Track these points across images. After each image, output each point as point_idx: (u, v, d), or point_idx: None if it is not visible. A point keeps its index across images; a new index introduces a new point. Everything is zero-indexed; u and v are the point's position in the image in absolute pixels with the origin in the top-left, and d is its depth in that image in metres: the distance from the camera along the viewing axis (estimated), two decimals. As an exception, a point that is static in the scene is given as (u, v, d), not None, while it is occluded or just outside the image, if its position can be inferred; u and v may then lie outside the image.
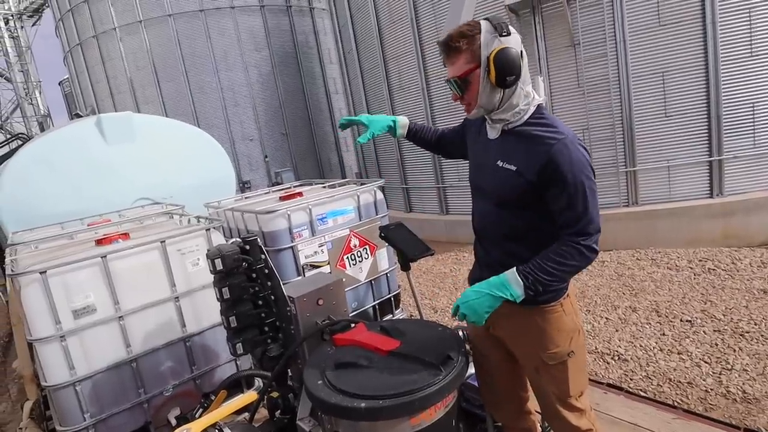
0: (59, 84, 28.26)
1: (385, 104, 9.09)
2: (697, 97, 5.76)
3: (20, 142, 5.28)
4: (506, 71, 1.39)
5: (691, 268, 5.23)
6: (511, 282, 1.43)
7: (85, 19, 13.05)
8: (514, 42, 1.42)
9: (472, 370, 1.78)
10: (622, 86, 6.00)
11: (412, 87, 8.34)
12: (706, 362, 3.44)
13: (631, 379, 3.39)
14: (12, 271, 1.88)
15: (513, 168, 1.47)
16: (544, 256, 1.43)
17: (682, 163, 5.97)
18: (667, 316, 4.21)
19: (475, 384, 1.84)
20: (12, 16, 25.41)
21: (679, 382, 3.26)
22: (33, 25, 26.27)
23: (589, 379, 3.39)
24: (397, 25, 8.27)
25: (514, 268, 1.44)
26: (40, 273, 1.82)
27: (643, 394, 3.11)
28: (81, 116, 13.63)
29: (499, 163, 1.51)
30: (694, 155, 5.90)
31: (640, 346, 3.80)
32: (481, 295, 1.43)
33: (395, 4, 8.16)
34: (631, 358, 3.64)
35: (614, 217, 6.28)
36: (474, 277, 1.76)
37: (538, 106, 1.50)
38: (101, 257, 1.97)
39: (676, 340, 3.79)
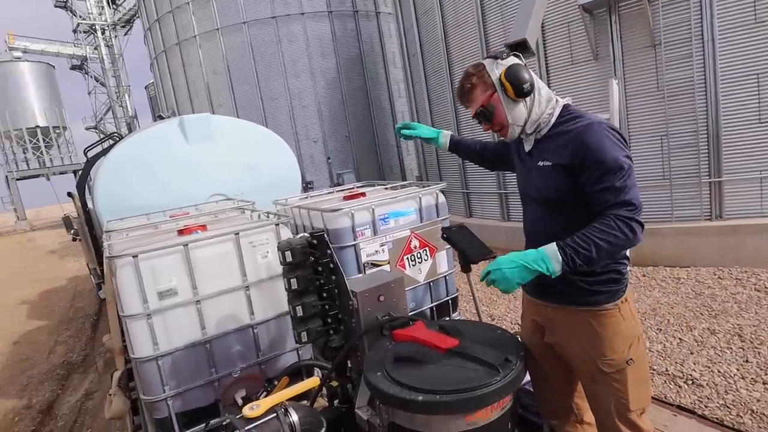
0: (145, 88, 30.78)
1: (448, 108, 9.06)
2: (796, 102, 5.24)
3: (111, 142, 5.82)
4: (520, 81, 1.55)
5: (783, 290, 4.77)
6: (550, 256, 1.40)
7: (169, 29, 14.14)
8: (514, 61, 1.59)
9: (529, 377, 1.76)
10: (708, 89, 5.57)
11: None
12: (796, 394, 3.13)
13: (705, 407, 3.14)
14: (109, 253, 2.11)
15: (549, 163, 1.56)
16: (585, 231, 1.41)
17: (777, 174, 5.45)
18: (752, 342, 3.85)
19: (532, 390, 1.81)
20: (107, 26, 28.04)
21: (764, 414, 2.98)
22: (125, 35, 28.85)
23: (659, 400, 3.19)
24: (463, 28, 8.22)
25: (555, 242, 1.43)
26: (133, 257, 2.02)
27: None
28: (163, 118, 14.75)
29: (540, 164, 1.60)
30: (790, 166, 5.38)
31: (719, 371, 3.51)
32: (515, 264, 1.41)
33: (462, 6, 8.13)
34: (707, 384, 3.37)
35: (694, 231, 5.84)
36: (531, 284, 1.74)
37: (564, 106, 1.61)
38: (183, 245, 2.15)
39: (761, 369, 3.46)
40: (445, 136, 2.23)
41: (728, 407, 3.09)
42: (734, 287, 5.01)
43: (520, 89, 1.55)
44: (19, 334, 7.93)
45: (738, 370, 3.50)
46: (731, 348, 3.82)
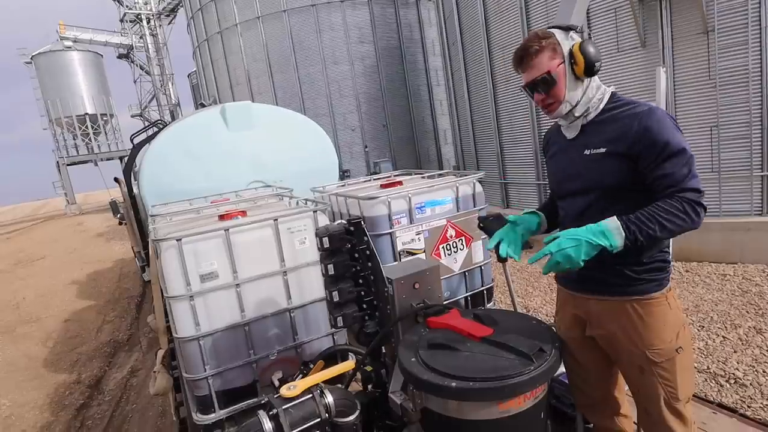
0: (187, 76, 31.67)
1: (488, 97, 8.90)
2: None
3: (156, 129, 6.04)
4: (594, 59, 1.48)
5: (841, 291, 4.49)
6: (612, 230, 1.38)
7: (212, 18, 14.46)
8: (584, 38, 1.53)
9: (563, 368, 1.74)
10: (764, 78, 5.25)
11: (517, 78, 8.05)
12: None
13: (748, 407, 3.03)
14: (155, 237, 2.21)
15: (602, 150, 1.50)
16: (649, 208, 1.39)
17: (839, 168, 5.10)
18: (803, 343, 3.67)
19: (566, 382, 1.79)
20: (152, 16, 28.92)
21: (813, 417, 2.85)
22: (169, 24, 29.70)
23: (699, 398, 3.09)
24: (505, 15, 8.03)
25: (615, 216, 1.40)
26: (177, 240, 2.12)
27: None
28: (205, 106, 15.17)
29: (587, 152, 1.54)
30: None
31: (764, 371, 3.37)
32: (578, 243, 1.36)
33: (503, -8, 7.93)
34: (750, 384, 3.24)
35: (743, 227, 5.57)
36: (569, 278, 1.71)
37: (612, 93, 1.55)
38: (224, 230, 2.23)
39: (812, 371, 3.31)
40: (543, 220, 1.88)
41: (774, 410, 2.97)
42: (786, 286, 4.76)
43: (591, 67, 1.48)
44: (69, 313, 8.43)
45: (787, 372, 3.34)
46: (780, 349, 3.65)
